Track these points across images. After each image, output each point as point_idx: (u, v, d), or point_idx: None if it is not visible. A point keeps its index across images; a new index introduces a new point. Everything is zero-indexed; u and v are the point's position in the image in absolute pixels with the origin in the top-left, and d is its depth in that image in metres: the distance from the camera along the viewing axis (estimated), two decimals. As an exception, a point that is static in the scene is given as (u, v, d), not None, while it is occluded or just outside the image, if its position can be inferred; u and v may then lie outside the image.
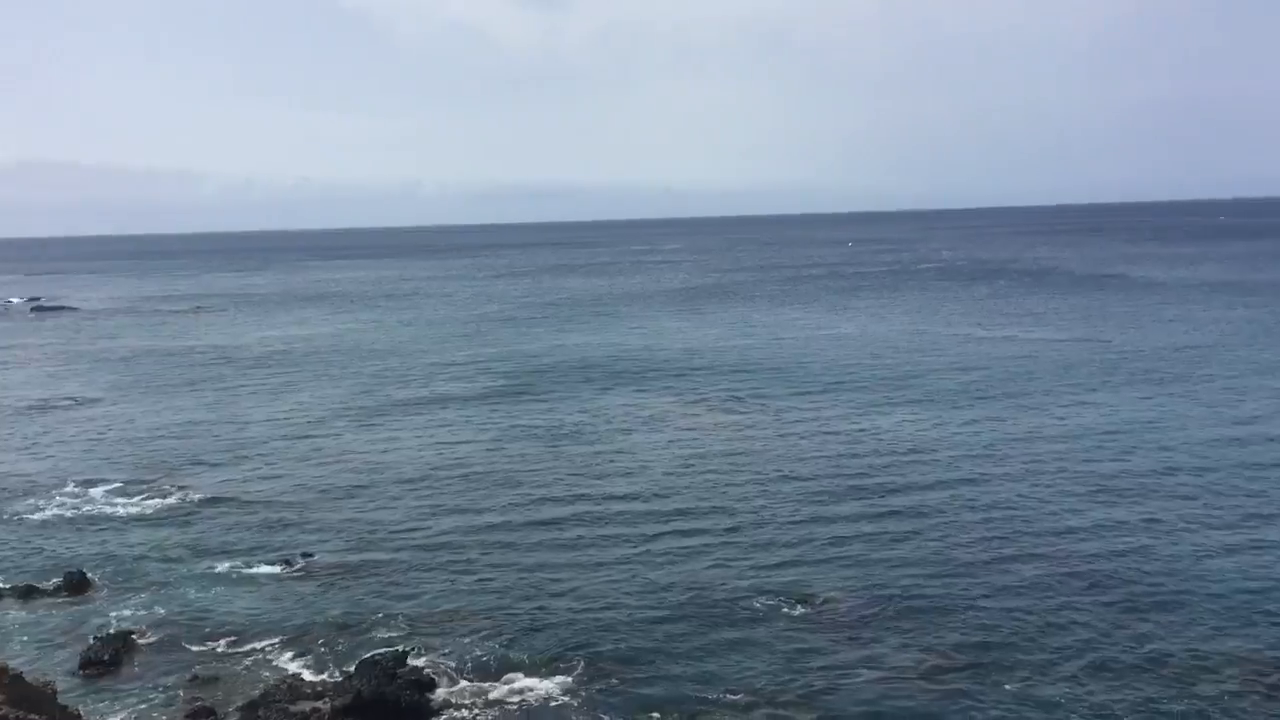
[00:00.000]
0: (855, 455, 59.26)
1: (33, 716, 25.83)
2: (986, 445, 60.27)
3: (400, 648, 35.34)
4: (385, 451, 64.56)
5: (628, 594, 39.90)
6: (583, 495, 53.23)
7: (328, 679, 33.77)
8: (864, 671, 32.97)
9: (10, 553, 47.40)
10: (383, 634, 37.10)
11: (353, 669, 33.58)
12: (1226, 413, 66.55)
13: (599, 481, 55.73)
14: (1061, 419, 66.60)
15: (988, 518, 47.12)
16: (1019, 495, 50.27)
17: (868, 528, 46.44)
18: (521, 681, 33.31)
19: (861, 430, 65.57)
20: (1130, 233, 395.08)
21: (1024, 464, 55.80)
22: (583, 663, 34.29)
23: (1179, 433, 61.40)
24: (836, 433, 65.20)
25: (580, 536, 46.87)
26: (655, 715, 30.95)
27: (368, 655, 34.41)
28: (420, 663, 34.44)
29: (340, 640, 36.90)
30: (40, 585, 42.69)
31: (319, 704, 31.56)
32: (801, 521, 47.74)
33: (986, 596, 38.27)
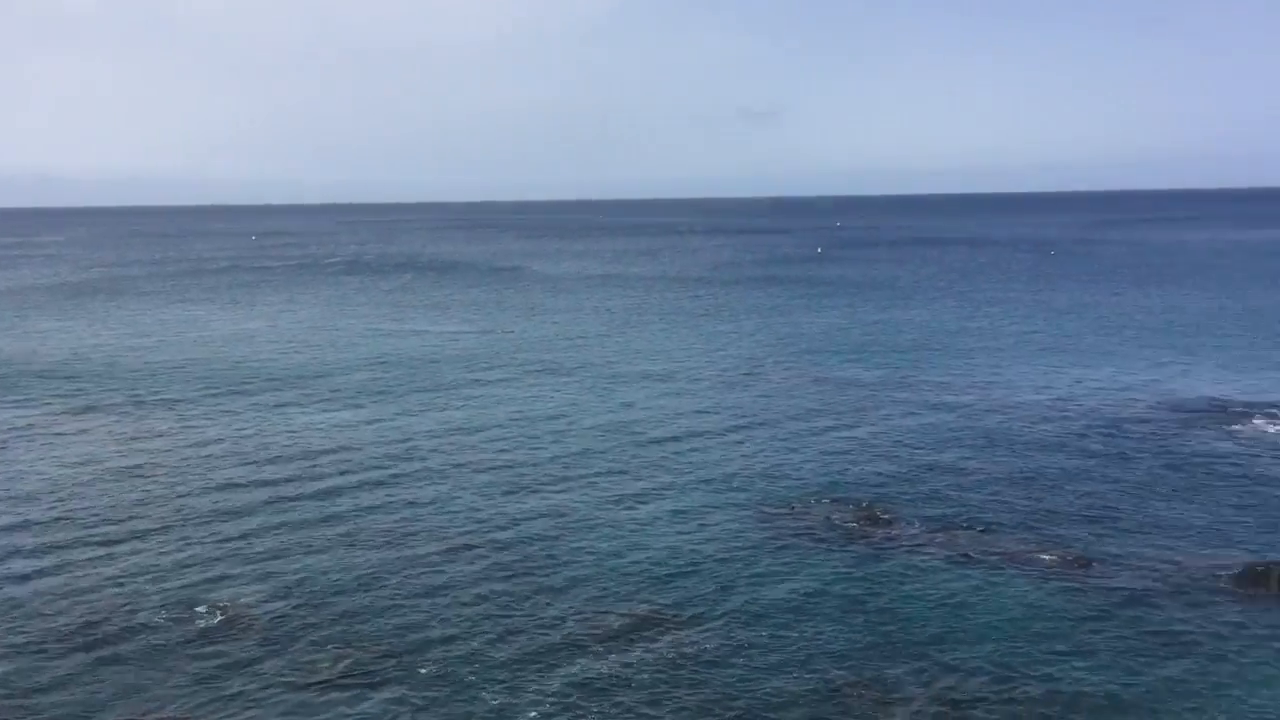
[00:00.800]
0: (270, 458, 57.47)
1: None
2: (401, 441, 61.46)
3: None
4: None
5: (3, 634, 35.23)
6: (-55, 527, 46.01)
7: None
8: (282, 678, 32.14)
9: None
10: None
11: None
12: (612, 397, 73.89)
13: (-34, 509, 48.54)
14: (471, 411, 69.85)
15: (405, 514, 48.08)
16: (435, 489, 51.86)
17: (284, 532, 45.28)
18: None
19: (274, 431, 63.76)
20: (528, 229, 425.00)
21: (440, 458, 57.68)
22: (-49, 721, 29.71)
23: (575, 419, 67.03)
24: (248, 435, 62.74)
25: (-57, 575, 40.47)
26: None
27: None
28: None
29: None
30: None
31: None
32: (214, 530, 45.34)
33: (404, 590, 39.08)
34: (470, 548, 43.42)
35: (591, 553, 42.74)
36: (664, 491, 50.88)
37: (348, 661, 33.31)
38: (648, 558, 42.10)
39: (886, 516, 46.46)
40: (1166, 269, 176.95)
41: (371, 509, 48.39)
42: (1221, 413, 65.39)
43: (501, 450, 58.93)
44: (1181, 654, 33.25)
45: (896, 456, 56.67)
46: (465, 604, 37.70)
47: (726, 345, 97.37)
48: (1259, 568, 38.98)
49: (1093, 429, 62.05)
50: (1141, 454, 56.40)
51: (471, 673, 32.59)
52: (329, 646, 34.32)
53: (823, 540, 43.90)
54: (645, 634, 35.12)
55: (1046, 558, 41.36)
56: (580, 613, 36.98)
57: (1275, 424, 62.02)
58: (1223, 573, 39.43)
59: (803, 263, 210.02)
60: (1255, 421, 62.80)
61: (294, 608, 37.34)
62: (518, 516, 47.41)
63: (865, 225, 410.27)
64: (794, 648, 34.07)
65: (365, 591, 38.79)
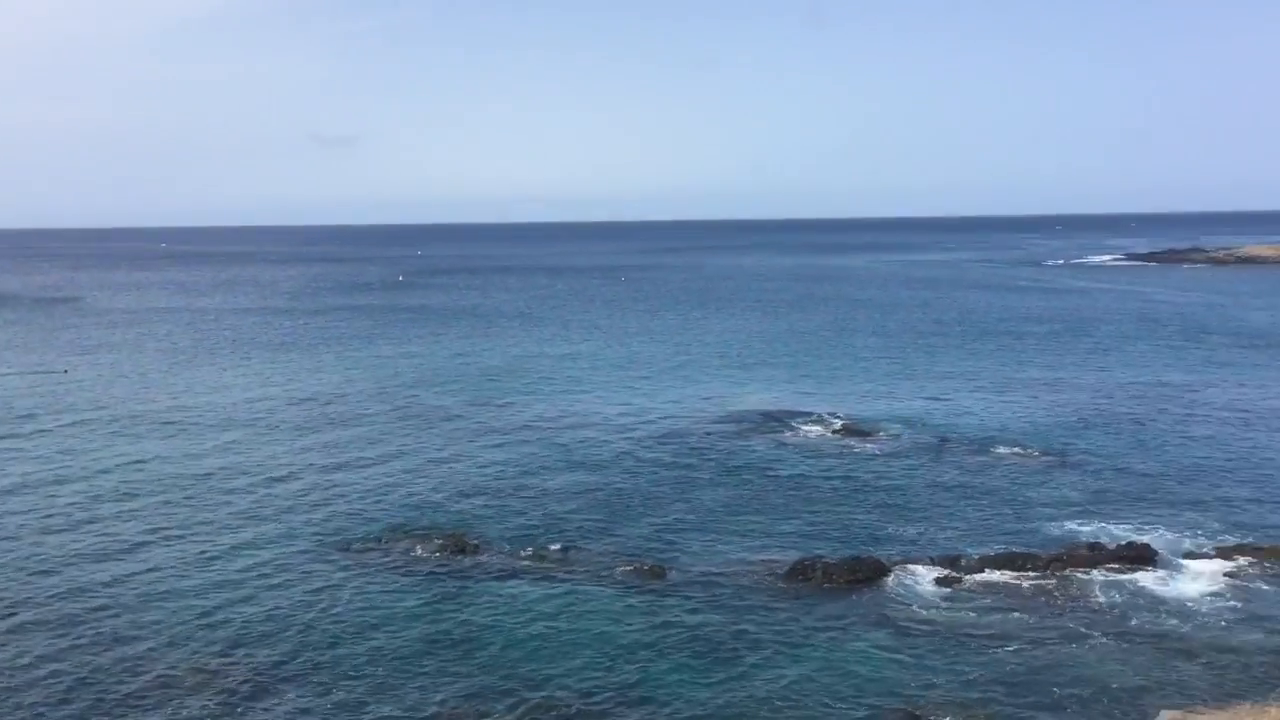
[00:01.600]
0: None
1: None
2: (-77, 500, 53.65)
3: None
4: None
5: None
6: None
7: None
8: None
9: None
10: None
11: None
12: (182, 443, 68.46)
13: None
14: (13, 467, 62.36)
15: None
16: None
17: None
18: None
19: None
20: (75, 258, 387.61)
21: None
22: None
23: (142, 469, 61.24)
24: None
25: None
26: None
27: None
28: None
29: None
30: None
31: None
32: None
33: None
34: (20, 626, 38.72)
35: (167, 616, 39.49)
36: (244, 542, 48.06)
37: None
38: (229, 615, 39.56)
39: (475, 543, 46.90)
40: (724, 293, 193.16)
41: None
42: (775, 422, 72.14)
43: (57, 511, 52.98)
44: (744, 648, 36.28)
45: (483, 484, 57.40)
46: (12, 691, 33.57)
47: (307, 380, 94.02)
48: (805, 563, 43.42)
49: (664, 444, 66.28)
50: (707, 465, 61.02)
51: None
52: None
53: (411, 574, 43.54)
54: (227, 697, 33.03)
55: (625, 569, 43.60)
56: (156, 684, 34.08)
57: (818, 430, 69.48)
58: (777, 570, 43.51)
59: (384, 290, 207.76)
60: (802, 428, 70.01)
61: None
62: (79, 585, 42.70)
63: (451, 254, 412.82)
64: (386, 689, 33.47)
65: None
